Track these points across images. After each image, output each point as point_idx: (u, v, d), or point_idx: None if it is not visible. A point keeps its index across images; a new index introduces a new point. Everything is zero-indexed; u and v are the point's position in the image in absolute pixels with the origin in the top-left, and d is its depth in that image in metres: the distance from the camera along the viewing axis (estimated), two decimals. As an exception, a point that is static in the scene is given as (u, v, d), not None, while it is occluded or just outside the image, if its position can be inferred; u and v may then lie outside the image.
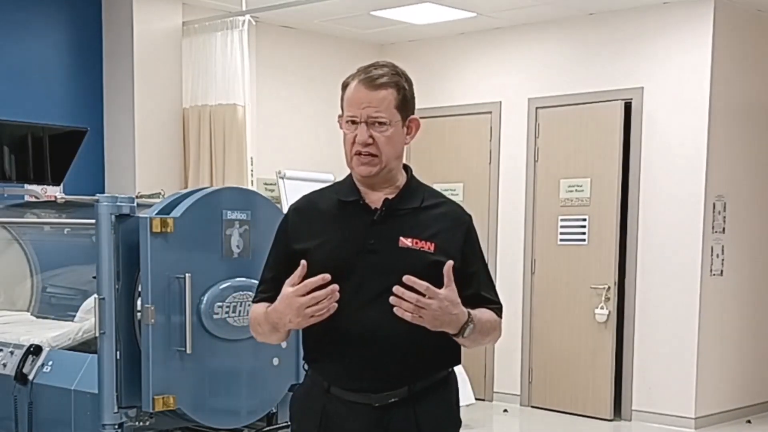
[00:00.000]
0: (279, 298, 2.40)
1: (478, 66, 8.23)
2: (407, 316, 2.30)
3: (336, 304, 2.33)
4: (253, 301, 2.62)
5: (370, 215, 2.49)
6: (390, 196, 2.51)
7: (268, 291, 2.56)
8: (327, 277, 2.33)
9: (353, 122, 2.46)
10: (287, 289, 2.37)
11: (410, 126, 2.53)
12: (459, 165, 8.28)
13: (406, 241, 2.45)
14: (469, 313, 2.39)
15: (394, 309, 2.29)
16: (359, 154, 2.46)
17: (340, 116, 2.54)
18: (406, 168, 2.58)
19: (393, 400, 2.47)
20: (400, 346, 2.42)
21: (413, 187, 2.56)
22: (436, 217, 2.50)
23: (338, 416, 2.49)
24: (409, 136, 2.54)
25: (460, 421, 2.64)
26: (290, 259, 2.49)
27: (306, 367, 2.60)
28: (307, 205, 2.60)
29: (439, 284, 2.37)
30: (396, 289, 2.28)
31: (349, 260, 2.44)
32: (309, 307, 2.33)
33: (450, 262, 2.35)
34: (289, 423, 2.69)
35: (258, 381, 4.23)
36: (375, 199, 2.51)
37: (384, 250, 2.45)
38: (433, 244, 2.45)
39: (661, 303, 7.26)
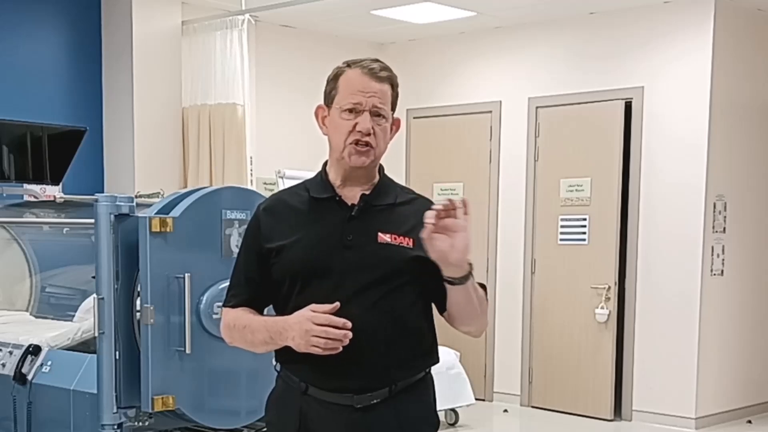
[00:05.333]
0: (296, 313, 2.34)
1: (478, 66, 8.22)
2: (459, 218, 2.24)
3: (341, 348, 2.28)
4: (228, 306, 2.54)
5: (346, 211, 2.44)
6: (366, 192, 2.47)
7: (243, 294, 2.51)
8: (348, 323, 2.28)
9: (352, 111, 2.41)
10: (308, 312, 2.31)
11: (392, 126, 2.50)
12: (459, 165, 8.26)
13: (384, 237, 2.41)
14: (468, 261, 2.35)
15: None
16: (357, 142, 2.40)
17: (320, 107, 2.49)
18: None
19: (375, 401, 2.42)
20: (382, 344, 2.38)
21: (386, 183, 2.53)
22: (411, 212, 2.44)
23: (318, 418, 2.43)
24: (391, 135, 2.50)
25: (439, 421, 2.62)
26: (264, 260, 2.46)
27: (278, 368, 2.53)
28: (277, 203, 2.54)
29: (420, 279, 2.39)
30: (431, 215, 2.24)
31: (327, 257, 2.40)
32: (315, 336, 2.28)
33: (431, 211, 2.27)
34: (266, 429, 2.61)
35: (257, 381, 4.20)
36: (349, 195, 2.46)
37: (362, 245, 2.41)
38: (411, 240, 2.39)
39: (662, 303, 7.25)
